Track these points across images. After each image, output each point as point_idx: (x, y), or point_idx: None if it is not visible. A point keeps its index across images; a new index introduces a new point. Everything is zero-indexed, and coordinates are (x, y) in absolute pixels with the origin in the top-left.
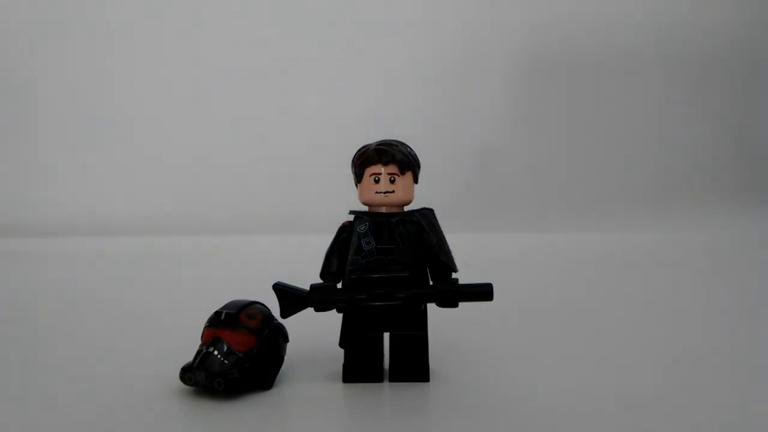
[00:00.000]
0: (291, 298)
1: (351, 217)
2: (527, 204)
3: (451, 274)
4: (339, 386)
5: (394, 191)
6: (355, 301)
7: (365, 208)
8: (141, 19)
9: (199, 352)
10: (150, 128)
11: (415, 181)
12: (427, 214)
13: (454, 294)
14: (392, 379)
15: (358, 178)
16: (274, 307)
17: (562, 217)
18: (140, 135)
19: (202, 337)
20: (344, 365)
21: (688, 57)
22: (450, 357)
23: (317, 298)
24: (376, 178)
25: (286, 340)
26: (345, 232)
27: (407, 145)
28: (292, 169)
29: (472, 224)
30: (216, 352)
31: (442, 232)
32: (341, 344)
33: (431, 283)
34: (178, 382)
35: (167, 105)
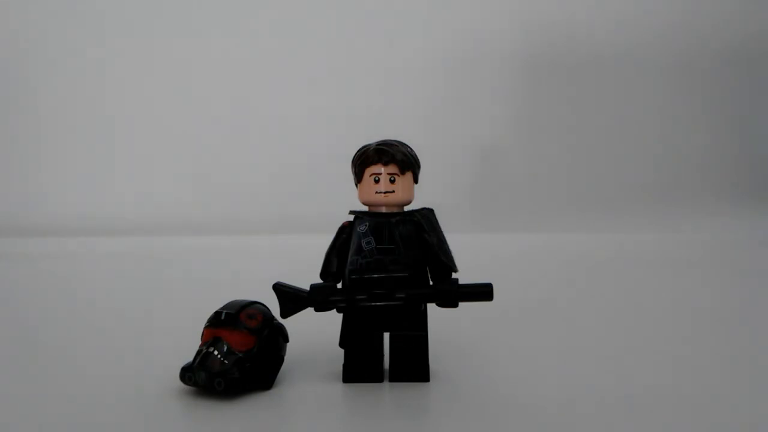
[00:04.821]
0: (291, 298)
1: (351, 217)
2: (527, 204)
3: (451, 274)
4: (339, 386)
5: (394, 191)
6: (355, 301)
7: (365, 208)
8: (142, 21)
9: (199, 352)
10: (150, 129)
11: (415, 181)
12: (428, 214)
13: (454, 294)
14: (392, 379)
15: (358, 178)
16: (274, 307)
17: (562, 217)
18: (141, 136)
19: (202, 337)
20: (344, 365)
21: (688, 57)
22: (450, 357)
23: (317, 298)
24: (376, 178)
25: (286, 340)
26: (345, 232)
27: (407, 145)
28: (292, 169)
29: (472, 224)
30: (216, 352)
31: (442, 232)
32: (341, 344)
33: (431, 283)
34: (178, 382)
35: (167, 106)
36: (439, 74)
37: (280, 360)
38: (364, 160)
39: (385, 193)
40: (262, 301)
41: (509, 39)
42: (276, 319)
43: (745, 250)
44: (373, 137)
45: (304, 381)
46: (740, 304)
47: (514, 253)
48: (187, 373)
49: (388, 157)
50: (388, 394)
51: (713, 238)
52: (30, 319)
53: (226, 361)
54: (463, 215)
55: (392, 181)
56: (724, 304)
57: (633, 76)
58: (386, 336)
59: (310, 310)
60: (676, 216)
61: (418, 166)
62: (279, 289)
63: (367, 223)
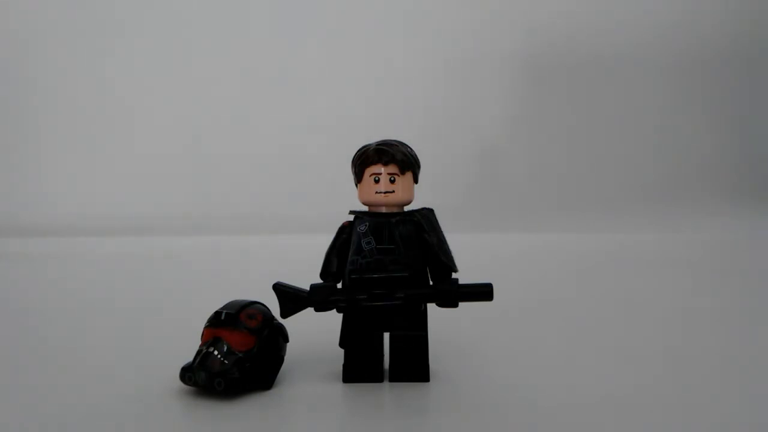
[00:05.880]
0: (291, 298)
1: (351, 217)
2: (527, 204)
3: (451, 274)
4: (339, 386)
5: (394, 191)
6: (356, 301)
7: (365, 208)
8: (139, 21)
9: (199, 352)
10: (150, 129)
11: (415, 181)
12: (428, 214)
13: (454, 294)
14: (392, 379)
15: (358, 178)
16: (274, 307)
17: (562, 217)
18: (140, 136)
19: (202, 337)
20: (344, 365)
21: (688, 57)
22: (450, 357)
23: (317, 298)
24: (376, 178)
25: (286, 340)
26: (345, 232)
27: (407, 145)
28: (292, 169)
29: (472, 224)
30: (216, 352)
31: (442, 232)
32: (341, 344)
33: (431, 283)
34: (178, 382)
35: (167, 106)
36: (439, 74)
37: (280, 360)
38: (364, 160)
39: (385, 193)
40: (262, 301)
41: (509, 39)
42: (276, 319)
43: (745, 250)
44: (373, 137)
45: (304, 381)
46: (740, 304)
47: (514, 253)
48: (187, 373)
49: (388, 157)
50: (388, 394)
51: (713, 238)
52: (30, 319)
53: (226, 361)
54: (463, 215)
55: (392, 181)
56: (724, 304)
57: (633, 76)
58: (386, 336)
59: (310, 310)
60: (676, 216)
61: (418, 166)
62: (279, 289)
63: (367, 223)
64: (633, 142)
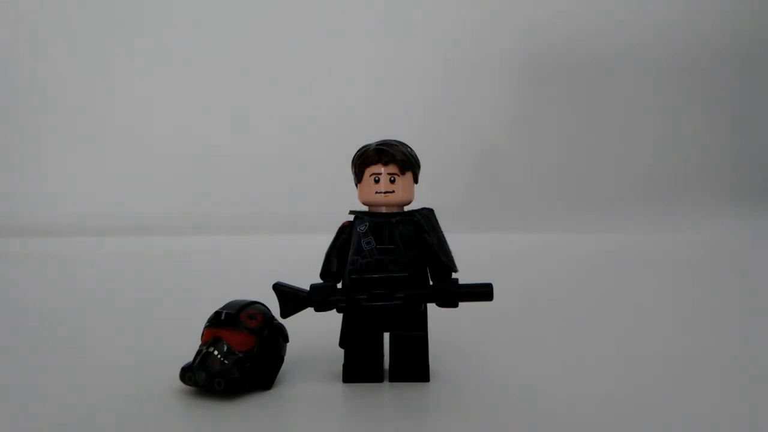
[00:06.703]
0: (291, 298)
1: (351, 217)
2: (527, 204)
3: (451, 274)
4: (339, 386)
5: (394, 191)
6: (356, 301)
7: (365, 208)
8: (140, 21)
9: (199, 352)
10: (150, 129)
11: (415, 181)
12: (428, 214)
13: (454, 294)
14: (392, 379)
15: (358, 178)
16: (274, 307)
17: (562, 217)
18: (140, 136)
19: (202, 337)
20: (344, 365)
21: (688, 57)
22: (450, 357)
23: (317, 298)
24: (376, 178)
25: (286, 340)
26: (345, 232)
27: (407, 145)
28: (292, 169)
29: (472, 224)
30: (216, 352)
31: (442, 232)
32: (341, 344)
33: (431, 283)
34: (178, 382)
35: (167, 106)
36: (438, 74)
37: (280, 360)
38: (364, 160)
39: (385, 193)
40: (262, 301)
41: (509, 39)
42: (276, 319)
43: (745, 250)
44: (373, 137)
45: (304, 381)
46: (740, 304)
47: (514, 253)
48: (187, 373)
49: (388, 157)
50: (388, 394)
51: (713, 238)
52: (30, 319)
53: (226, 361)
54: (463, 215)
55: (392, 181)
56: (724, 304)
57: (633, 76)
58: (386, 336)
59: (310, 310)
60: (676, 216)
61: (418, 166)
62: (279, 289)
63: (367, 223)
64: (633, 142)
